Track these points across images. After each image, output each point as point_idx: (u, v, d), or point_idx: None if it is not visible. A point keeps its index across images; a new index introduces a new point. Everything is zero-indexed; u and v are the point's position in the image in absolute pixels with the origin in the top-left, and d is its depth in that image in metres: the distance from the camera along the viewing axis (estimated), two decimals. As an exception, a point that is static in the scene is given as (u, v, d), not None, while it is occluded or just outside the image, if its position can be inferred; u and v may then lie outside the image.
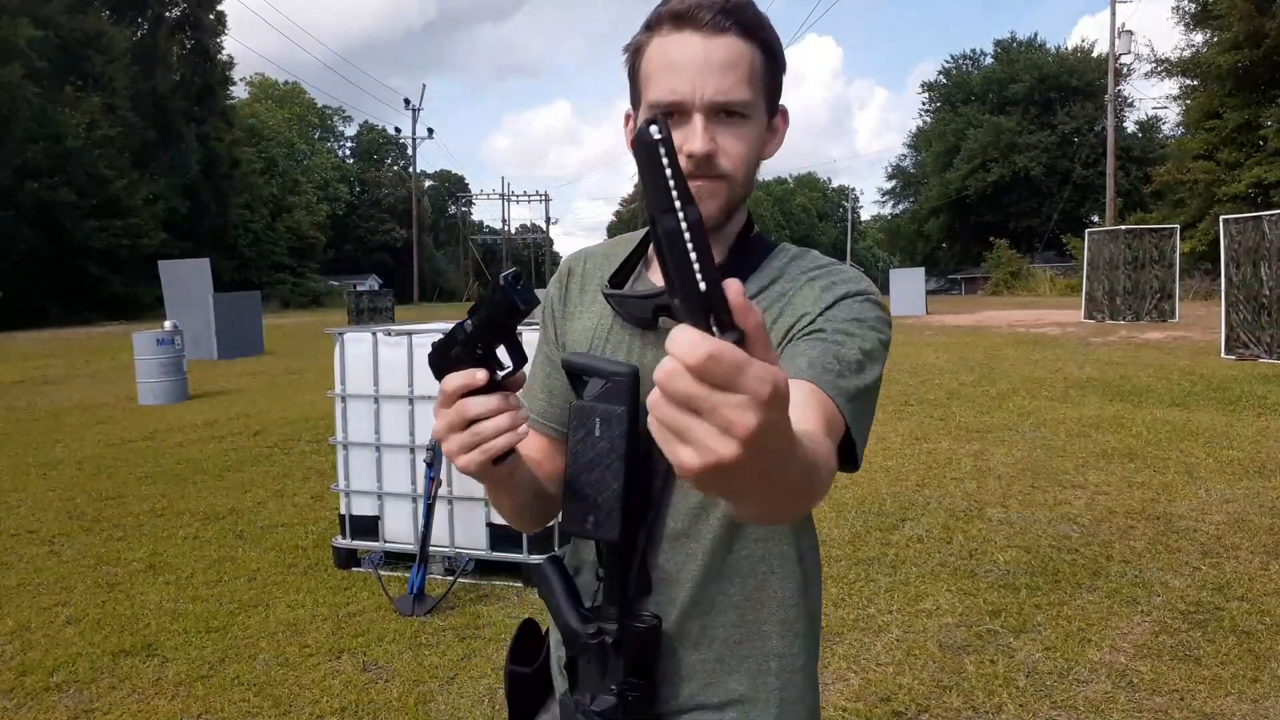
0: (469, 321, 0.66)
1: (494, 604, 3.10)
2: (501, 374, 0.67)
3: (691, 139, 0.72)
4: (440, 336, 0.69)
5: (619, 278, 0.83)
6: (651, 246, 0.83)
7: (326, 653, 2.73)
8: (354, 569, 3.53)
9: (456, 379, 0.65)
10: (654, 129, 0.40)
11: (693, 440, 0.36)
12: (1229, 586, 3.08)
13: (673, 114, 0.73)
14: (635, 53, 0.77)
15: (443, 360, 0.68)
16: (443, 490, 3.30)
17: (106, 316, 29.18)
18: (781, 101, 0.79)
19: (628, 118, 0.82)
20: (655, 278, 0.82)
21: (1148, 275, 15.15)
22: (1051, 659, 2.58)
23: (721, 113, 0.73)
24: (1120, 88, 28.93)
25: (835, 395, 0.68)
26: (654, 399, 0.37)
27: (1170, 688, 2.39)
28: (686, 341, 0.35)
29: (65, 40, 30.34)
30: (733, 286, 0.37)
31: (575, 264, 0.88)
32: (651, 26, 0.75)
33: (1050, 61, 45.86)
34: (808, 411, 0.68)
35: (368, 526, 3.52)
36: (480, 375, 0.65)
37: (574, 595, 0.79)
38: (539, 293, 0.79)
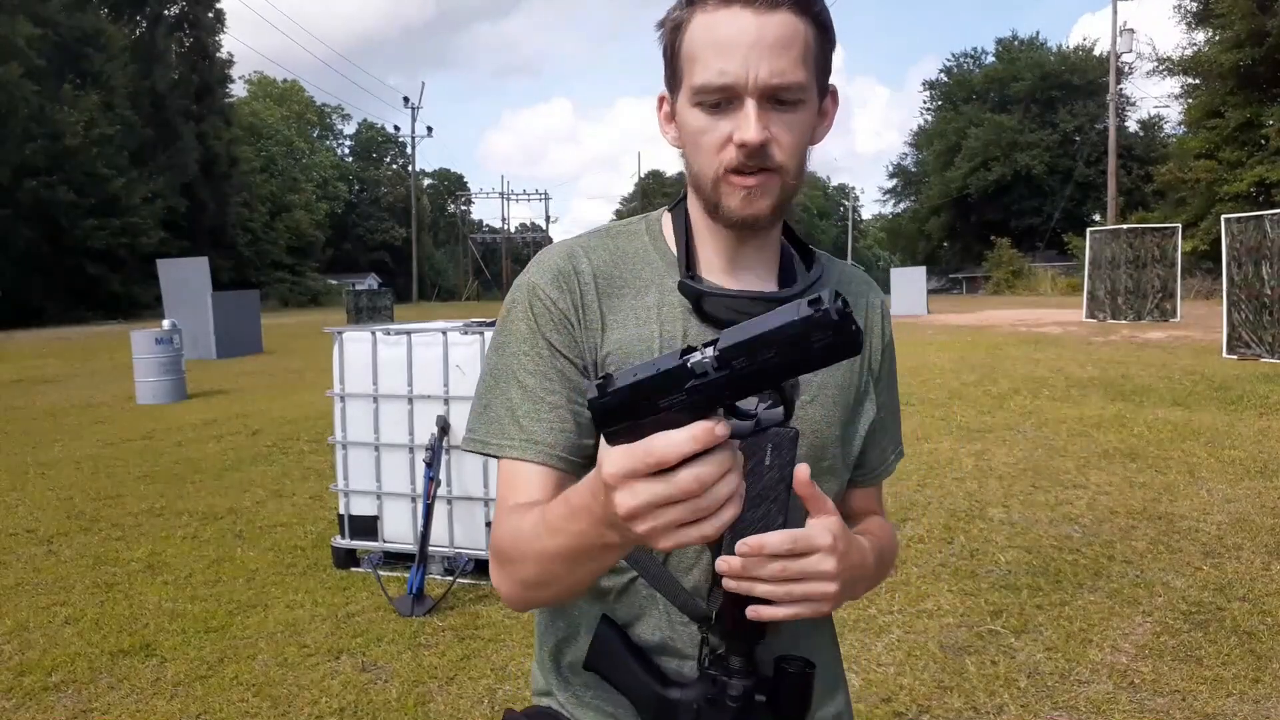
0: (705, 357, 0.48)
1: (493, 604, 3.09)
2: (745, 422, 0.53)
3: (745, 126, 0.66)
4: (625, 373, 0.50)
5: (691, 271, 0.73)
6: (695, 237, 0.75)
7: (325, 653, 2.73)
8: (353, 569, 3.52)
9: (687, 439, 0.47)
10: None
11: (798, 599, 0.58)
12: (1231, 587, 3.08)
13: (719, 100, 0.67)
14: (675, 30, 0.70)
15: (643, 408, 0.49)
16: (442, 490, 3.29)
17: (105, 315, 29.18)
18: (831, 80, 0.72)
19: (662, 101, 0.75)
20: (709, 273, 0.75)
21: (1149, 274, 15.14)
22: (1053, 659, 2.57)
23: (774, 98, 0.66)
24: (1122, 86, 28.93)
25: (891, 470, 0.85)
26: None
27: (1172, 688, 2.38)
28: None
29: (64, 38, 30.31)
30: (799, 476, 0.55)
31: (576, 263, 0.74)
32: (693, 1, 0.68)
33: (1052, 60, 45.84)
34: (870, 503, 0.84)
35: (367, 526, 3.51)
36: (721, 430, 0.48)
37: (645, 658, 0.70)
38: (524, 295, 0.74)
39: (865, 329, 0.79)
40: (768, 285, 0.76)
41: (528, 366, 0.73)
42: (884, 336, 0.83)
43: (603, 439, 0.52)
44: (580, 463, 0.72)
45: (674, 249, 0.76)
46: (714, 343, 0.48)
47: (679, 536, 0.50)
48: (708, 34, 0.67)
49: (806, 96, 0.68)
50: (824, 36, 0.69)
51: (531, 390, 0.72)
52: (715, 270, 0.75)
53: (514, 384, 0.73)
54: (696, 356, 0.48)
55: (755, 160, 0.67)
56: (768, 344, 0.47)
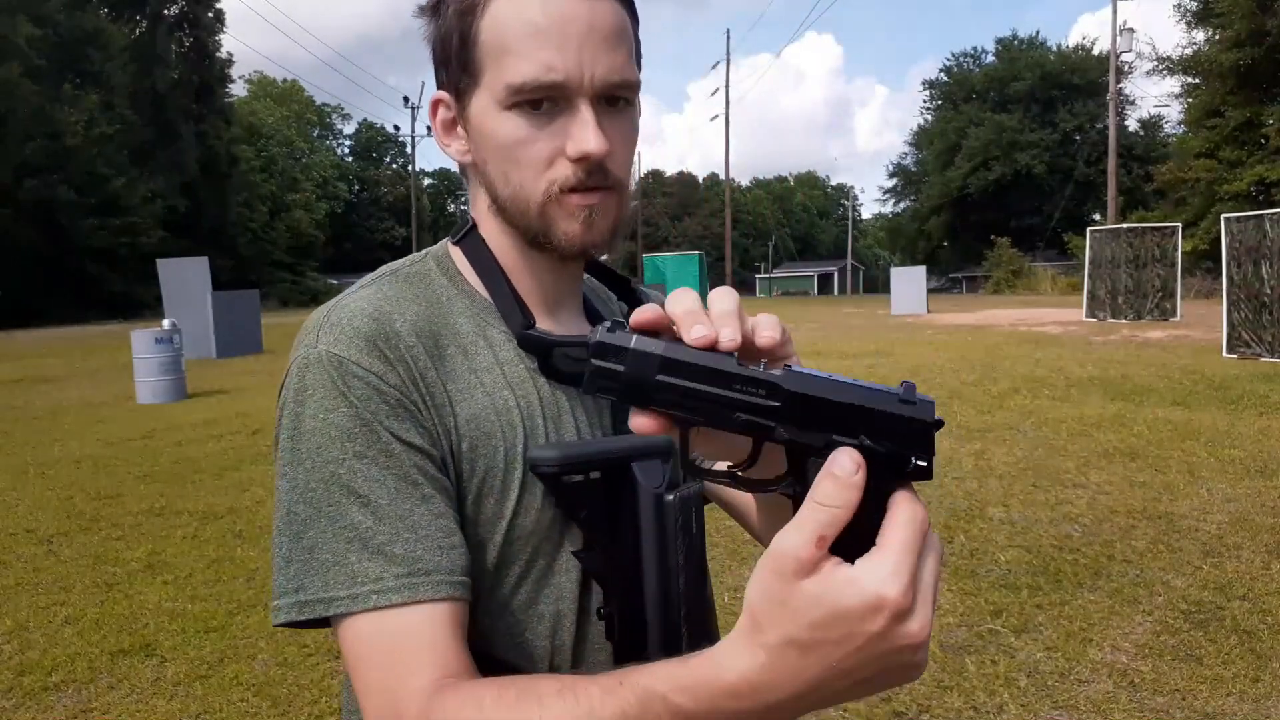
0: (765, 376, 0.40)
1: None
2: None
3: (583, 134, 0.54)
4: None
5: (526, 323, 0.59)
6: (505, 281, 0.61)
7: (325, 653, 2.72)
8: (353, 568, 3.52)
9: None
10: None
11: None
12: (1231, 586, 3.07)
13: (543, 102, 0.54)
14: (468, 12, 0.56)
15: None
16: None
17: (105, 315, 29.18)
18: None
19: (438, 105, 0.61)
20: (539, 319, 0.62)
21: (1149, 274, 15.14)
22: (1053, 659, 2.57)
23: (607, 99, 0.56)
24: (1122, 86, 28.91)
25: None
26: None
27: (1172, 687, 2.38)
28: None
29: (63, 38, 30.33)
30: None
31: (388, 323, 0.55)
32: None
33: (1052, 59, 45.86)
34: None
35: (367, 526, 3.51)
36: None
37: None
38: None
39: None
40: (582, 324, 0.65)
41: (372, 474, 0.51)
42: None
43: (804, 587, 0.37)
44: (469, 585, 0.53)
45: (482, 290, 0.61)
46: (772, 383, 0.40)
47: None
48: (522, 19, 0.54)
49: (635, 97, 0.59)
50: (636, 22, 0.60)
51: (386, 506, 0.51)
52: (537, 313, 0.62)
53: (351, 503, 0.51)
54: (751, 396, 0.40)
55: (595, 179, 0.56)
56: (836, 409, 0.40)
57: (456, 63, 0.57)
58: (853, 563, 0.37)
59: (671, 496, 0.53)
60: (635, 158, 0.61)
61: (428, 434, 0.54)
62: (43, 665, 2.68)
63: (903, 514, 0.38)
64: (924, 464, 0.37)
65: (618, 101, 0.57)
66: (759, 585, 0.38)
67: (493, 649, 0.56)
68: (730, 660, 0.39)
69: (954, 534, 3.78)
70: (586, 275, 0.69)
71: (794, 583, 0.37)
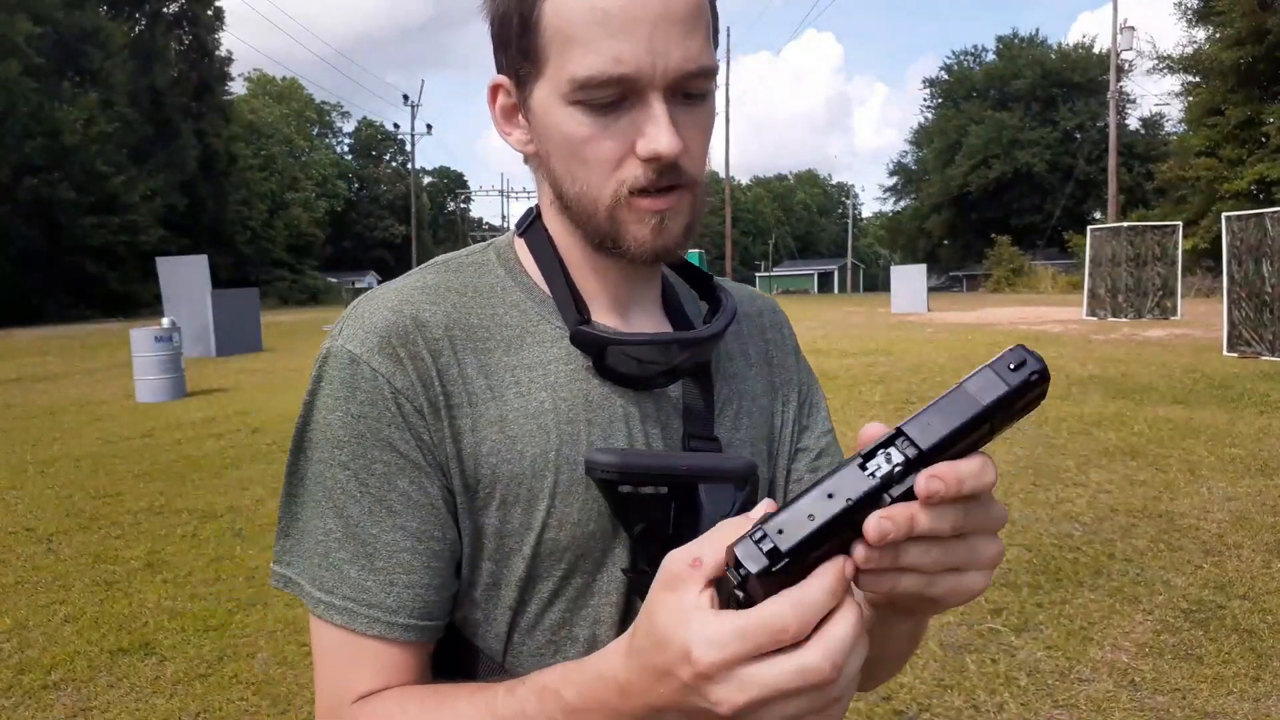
0: (895, 465, 0.35)
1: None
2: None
3: (655, 133, 0.49)
4: (789, 518, 0.35)
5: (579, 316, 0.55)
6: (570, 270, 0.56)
7: (325, 651, 2.72)
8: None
9: (825, 596, 0.35)
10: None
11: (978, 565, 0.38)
12: (1231, 585, 3.07)
13: (614, 98, 0.50)
14: None
15: (810, 559, 0.35)
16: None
17: (104, 313, 29.17)
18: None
19: (498, 90, 0.56)
20: (597, 315, 0.57)
21: (1150, 272, 15.13)
22: (1053, 657, 2.57)
23: (683, 91, 0.51)
24: (1122, 84, 28.86)
25: None
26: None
27: (1172, 686, 2.38)
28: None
29: (63, 36, 30.27)
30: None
31: (416, 314, 0.53)
32: None
33: (1052, 58, 45.83)
34: None
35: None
36: (850, 567, 0.36)
37: None
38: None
39: (785, 352, 0.67)
40: (660, 324, 0.60)
41: (349, 489, 0.50)
42: (805, 382, 0.68)
43: (661, 598, 0.37)
44: (434, 627, 0.52)
45: (542, 284, 0.57)
46: (897, 438, 0.35)
47: None
48: (589, 4, 0.48)
49: (713, 86, 0.53)
50: (713, 3, 0.54)
51: (354, 524, 0.50)
52: (602, 311, 0.57)
53: (328, 509, 0.51)
54: (883, 465, 0.35)
55: (668, 178, 0.51)
56: (974, 426, 0.35)
57: (517, 48, 0.52)
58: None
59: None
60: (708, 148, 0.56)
61: (429, 447, 0.51)
62: (42, 664, 2.67)
63: (798, 656, 0.35)
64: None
65: (694, 94, 0.52)
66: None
67: (518, 669, 0.52)
68: (610, 657, 0.41)
69: (954, 533, 3.78)
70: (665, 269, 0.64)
71: (657, 591, 0.38)
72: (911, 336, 13.45)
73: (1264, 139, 25.01)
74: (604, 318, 0.57)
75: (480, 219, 72.47)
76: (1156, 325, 14.05)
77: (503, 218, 60.12)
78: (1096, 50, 43.45)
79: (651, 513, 0.51)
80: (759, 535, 0.34)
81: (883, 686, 2.43)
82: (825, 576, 0.35)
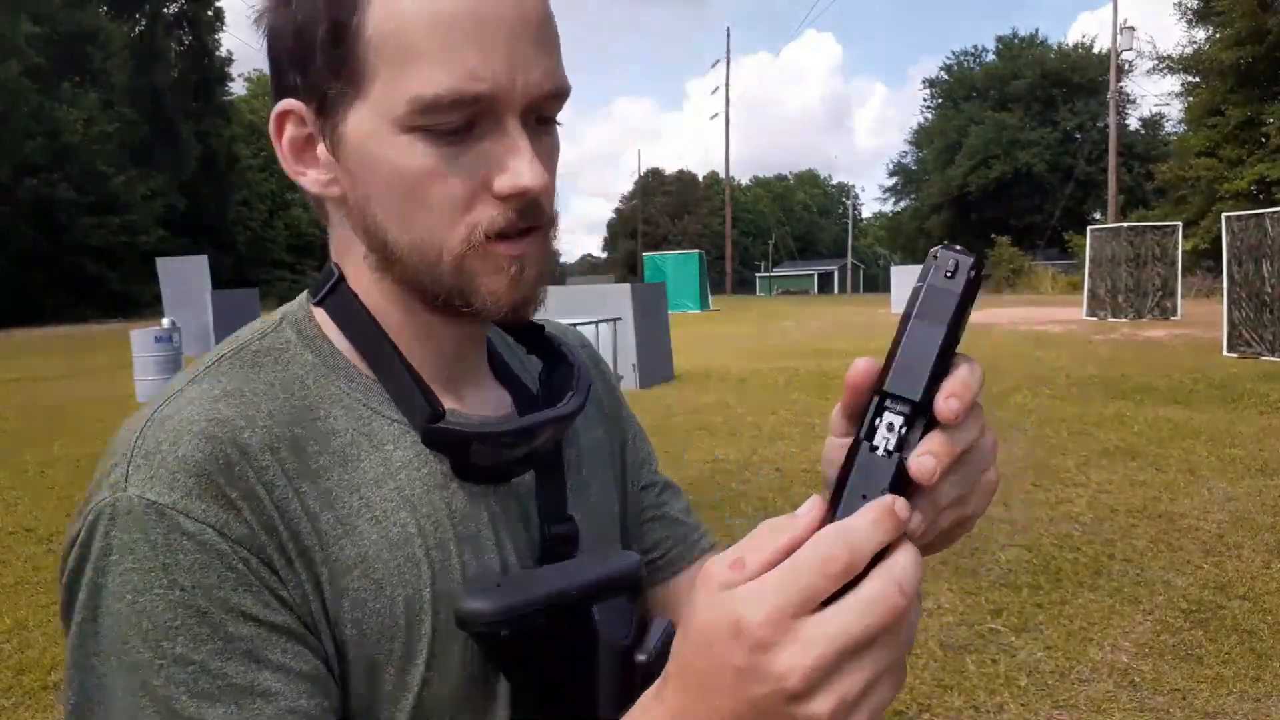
0: (896, 422, 0.33)
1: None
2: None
3: (519, 165, 0.42)
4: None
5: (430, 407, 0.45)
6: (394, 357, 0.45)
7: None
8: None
9: (874, 526, 0.31)
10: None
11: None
12: (1231, 585, 3.07)
13: (463, 123, 0.41)
14: (342, 2, 0.41)
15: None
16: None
17: (104, 314, 29.17)
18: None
19: (286, 118, 0.45)
20: (460, 401, 0.48)
21: (1150, 273, 15.14)
22: (1053, 658, 2.57)
23: (538, 114, 0.44)
24: (1122, 84, 28.90)
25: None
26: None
27: (1172, 687, 2.38)
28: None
29: (63, 36, 30.30)
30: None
31: (235, 436, 0.40)
32: None
33: (1052, 58, 45.84)
34: None
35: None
36: (902, 508, 0.32)
37: None
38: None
39: (605, 382, 0.61)
40: (498, 396, 0.51)
41: (193, 686, 0.36)
42: (632, 424, 0.63)
43: (700, 600, 0.32)
44: None
45: (362, 367, 0.46)
46: (885, 402, 0.33)
47: (874, 707, 0.30)
48: (433, 8, 0.40)
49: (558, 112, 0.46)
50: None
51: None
52: (433, 386, 0.47)
53: None
54: (889, 436, 0.33)
55: (528, 217, 0.43)
56: (948, 350, 0.33)
57: (324, 64, 0.42)
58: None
59: (645, 657, 0.42)
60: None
61: (290, 603, 0.39)
62: (42, 664, 2.67)
63: (864, 589, 0.30)
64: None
65: (547, 118, 0.44)
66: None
67: None
68: (646, 701, 0.35)
69: (954, 533, 3.78)
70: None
71: (695, 596, 0.32)
72: (911, 337, 13.42)
73: (1264, 139, 25.01)
74: (442, 398, 0.46)
75: (480, 219, 72.17)
76: (1156, 325, 14.05)
77: (503, 218, 59.76)
78: (1096, 50, 43.47)
79: (538, 651, 0.43)
80: None
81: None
82: (874, 510, 0.31)
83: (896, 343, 0.34)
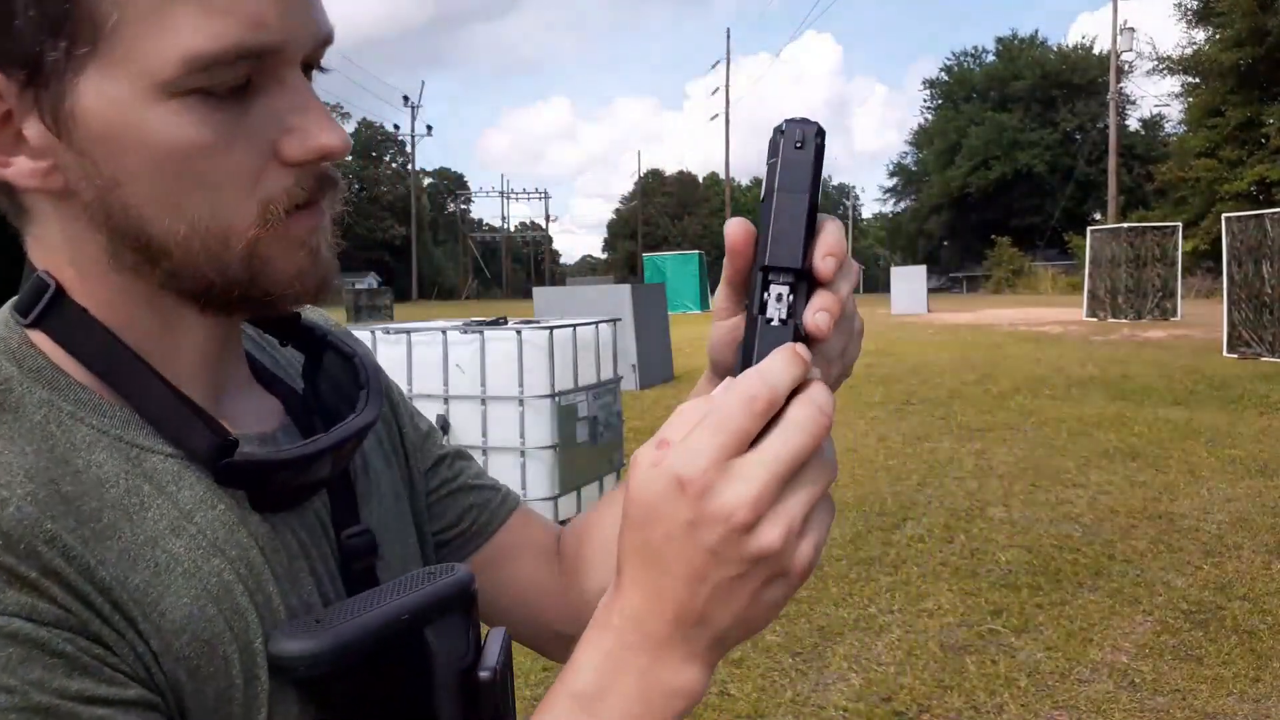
0: (782, 295, 0.34)
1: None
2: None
3: (312, 124, 0.36)
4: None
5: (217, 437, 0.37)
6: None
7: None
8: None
9: (790, 362, 0.32)
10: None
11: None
12: (1231, 586, 3.08)
13: (241, 80, 0.35)
14: None
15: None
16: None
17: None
18: None
19: None
20: (228, 417, 0.41)
21: (1150, 273, 15.14)
22: (1053, 659, 2.57)
23: (312, 65, 0.39)
24: (1122, 85, 28.91)
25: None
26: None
27: (1172, 687, 2.38)
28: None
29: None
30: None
31: (11, 527, 0.32)
32: None
33: (1052, 58, 45.88)
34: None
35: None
36: (804, 350, 0.33)
37: None
38: None
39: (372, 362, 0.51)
40: (263, 402, 0.44)
41: None
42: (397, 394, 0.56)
43: (633, 480, 0.32)
44: None
45: (105, 394, 0.38)
46: (769, 275, 0.34)
47: (818, 533, 0.32)
48: None
49: None
50: None
51: None
52: (203, 405, 0.39)
53: None
54: (780, 307, 0.34)
55: (325, 183, 0.38)
56: (813, 214, 0.36)
57: (34, 19, 0.32)
58: None
59: (488, 674, 0.39)
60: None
61: (132, 676, 0.33)
62: None
63: (789, 416, 0.31)
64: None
65: (314, 68, 0.39)
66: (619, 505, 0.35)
67: None
68: (605, 602, 0.34)
69: (954, 533, 3.78)
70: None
71: (627, 482, 0.33)
72: (912, 337, 13.45)
73: (1264, 140, 25.02)
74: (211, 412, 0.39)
75: (480, 220, 72.56)
76: (1156, 326, 14.05)
77: (502, 218, 60.24)
78: (1096, 51, 43.50)
79: (371, 686, 0.38)
80: None
81: (882, 687, 2.43)
82: (778, 353, 0.32)
83: (767, 218, 0.35)
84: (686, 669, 0.33)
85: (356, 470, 0.46)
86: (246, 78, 0.35)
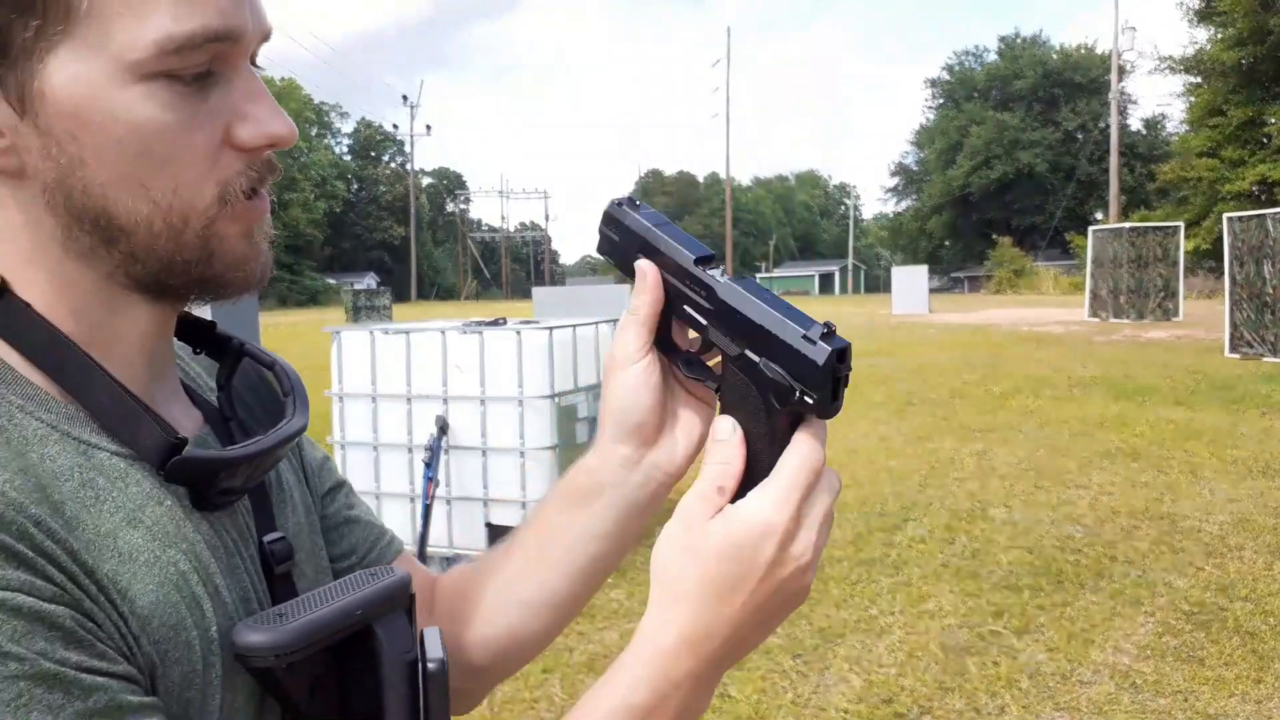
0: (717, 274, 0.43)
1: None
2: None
3: (265, 112, 0.38)
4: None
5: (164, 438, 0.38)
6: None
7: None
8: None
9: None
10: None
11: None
12: (1233, 587, 3.07)
13: (206, 66, 0.36)
14: None
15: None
16: (441, 490, 3.28)
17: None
18: None
19: None
20: (181, 418, 0.42)
21: (1151, 273, 15.12)
22: (1054, 660, 2.56)
23: (253, 61, 0.41)
24: (1124, 84, 28.90)
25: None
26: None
27: (1174, 689, 2.37)
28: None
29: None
30: None
31: (3, 509, 0.33)
32: None
33: (1054, 58, 45.88)
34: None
35: (366, 526, 3.50)
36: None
37: None
38: None
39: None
40: (185, 403, 0.45)
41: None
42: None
43: (698, 527, 0.39)
44: None
45: (49, 388, 0.38)
46: (698, 265, 0.43)
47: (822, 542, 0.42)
48: None
49: None
50: None
51: None
52: (142, 396, 0.39)
53: None
54: (717, 274, 0.43)
55: (271, 171, 0.41)
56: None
57: (5, 4, 0.33)
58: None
59: (434, 666, 0.41)
60: None
61: (122, 654, 0.34)
62: None
63: (797, 451, 0.39)
64: (810, 400, 0.38)
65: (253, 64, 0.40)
66: (666, 542, 0.40)
67: None
68: (658, 626, 0.39)
69: (956, 534, 3.77)
70: None
71: (701, 525, 0.39)
72: (913, 338, 13.44)
73: (1266, 139, 24.99)
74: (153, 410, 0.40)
75: (479, 219, 72.59)
76: (1158, 326, 14.03)
77: (502, 218, 60.24)
78: (1098, 51, 43.45)
79: (324, 677, 0.41)
80: None
81: (884, 689, 2.42)
82: (813, 434, 0.40)
83: (664, 246, 0.44)
84: (714, 687, 0.41)
85: (270, 481, 0.47)
86: (208, 64, 0.36)
